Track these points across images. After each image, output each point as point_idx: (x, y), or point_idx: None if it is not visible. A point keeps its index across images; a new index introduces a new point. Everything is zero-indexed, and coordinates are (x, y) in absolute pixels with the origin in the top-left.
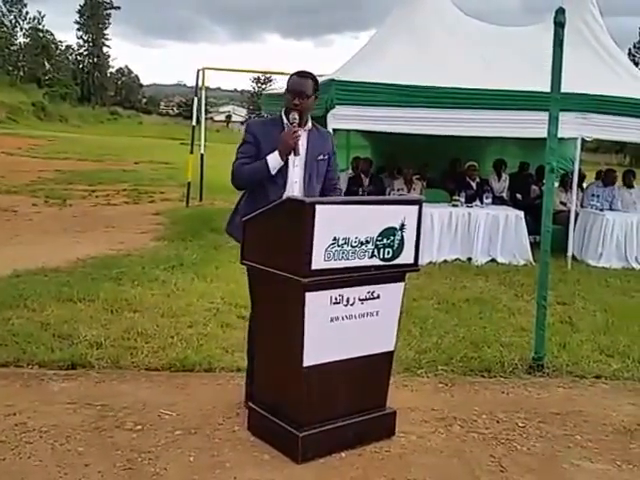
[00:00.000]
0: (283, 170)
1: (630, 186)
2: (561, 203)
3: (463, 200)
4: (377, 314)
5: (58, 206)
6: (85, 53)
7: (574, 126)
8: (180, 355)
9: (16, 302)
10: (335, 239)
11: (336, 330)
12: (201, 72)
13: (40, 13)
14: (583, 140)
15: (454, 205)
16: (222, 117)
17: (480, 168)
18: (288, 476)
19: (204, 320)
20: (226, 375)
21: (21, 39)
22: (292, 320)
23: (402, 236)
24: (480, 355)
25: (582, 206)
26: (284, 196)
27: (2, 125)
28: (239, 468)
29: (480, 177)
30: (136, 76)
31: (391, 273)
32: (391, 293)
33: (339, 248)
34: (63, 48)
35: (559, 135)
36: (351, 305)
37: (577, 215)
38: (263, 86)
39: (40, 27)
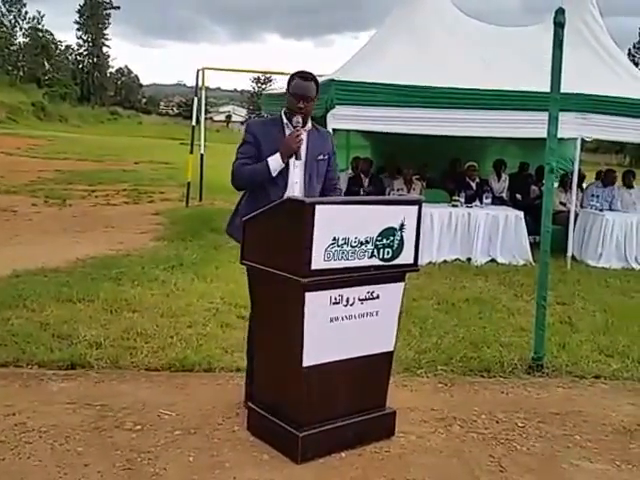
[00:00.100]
0: (283, 171)
1: (630, 186)
2: (561, 203)
3: (463, 200)
4: (377, 314)
5: (58, 206)
6: (85, 53)
7: (574, 126)
8: (180, 355)
9: (15, 302)
10: (335, 239)
11: (336, 330)
12: (201, 72)
13: (40, 13)
14: (583, 140)
15: (454, 205)
16: (222, 117)
17: (480, 168)
18: (288, 476)
19: (204, 320)
20: (226, 375)
21: (21, 39)
22: (292, 320)
23: (402, 236)
24: (480, 355)
25: (582, 206)
26: (285, 197)
27: (2, 125)
28: (239, 468)
29: (480, 177)
30: (136, 76)
31: (391, 273)
32: (391, 293)
33: (339, 248)
34: (63, 48)
35: (559, 135)
36: (351, 305)
37: (577, 215)
38: (263, 86)
39: (40, 27)
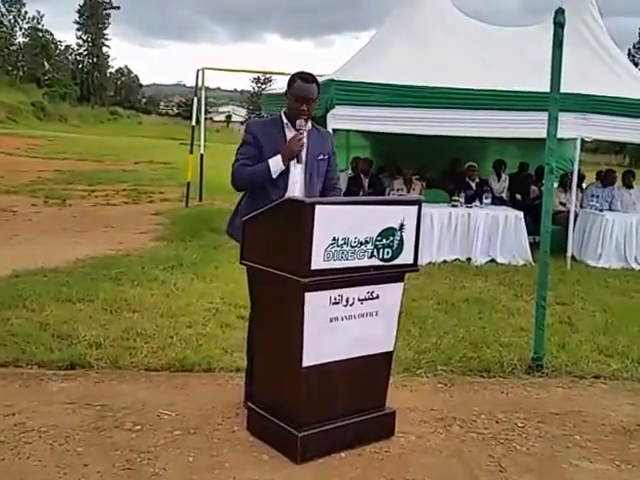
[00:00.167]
0: (284, 172)
1: (629, 186)
2: (560, 203)
3: (463, 200)
4: (376, 314)
5: (57, 206)
6: (85, 53)
7: (573, 126)
8: (179, 355)
9: (15, 302)
10: (334, 239)
11: (335, 330)
12: (201, 72)
13: (39, 13)
14: (582, 140)
15: (454, 205)
16: (222, 117)
17: (480, 168)
18: (287, 476)
19: (203, 320)
20: (225, 375)
21: (20, 39)
22: (291, 320)
23: (401, 236)
24: (479, 355)
25: (581, 206)
26: (285, 197)
27: (1, 125)
28: (238, 468)
29: (480, 177)
30: (136, 76)
31: (390, 273)
32: (390, 293)
33: (338, 248)
34: (62, 48)
35: (559, 135)
36: (350, 305)
37: (576, 215)
38: (263, 86)
39: (39, 27)
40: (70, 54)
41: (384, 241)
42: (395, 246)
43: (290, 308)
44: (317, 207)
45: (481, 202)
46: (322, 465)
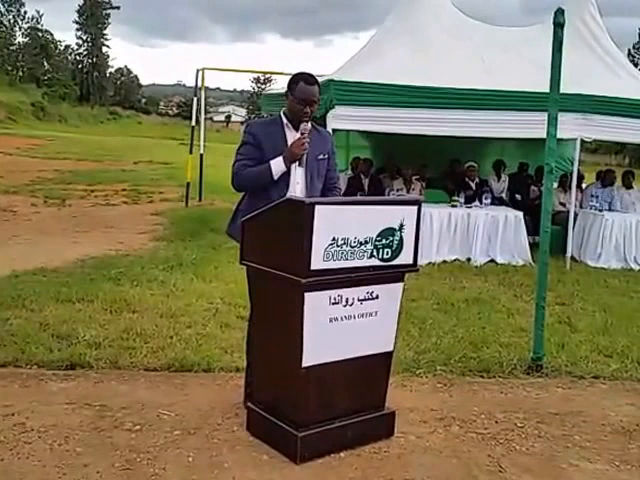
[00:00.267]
0: (285, 173)
1: (629, 187)
2: (560, 204)
3: (462, 200)
4: (376, 314)
5: (57, 206)
6: (84, 53)
7: (573, 127)
8: (179, 355)
9: (15, 302)
10: (334, 239)
11: (335, 330)
12: (200, 72)
13: (39, 12)
14: (582, 141)
15: (453, 205)
16: (222, 117)
17: (479, 169)
18: (287, 476)
19: (203, 320)
20: (225, 375)
21: (20, 39)
22: (291, 320)
23: (401, 236)
24: (479, 355)
25: (581, 207)
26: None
27: (1, 125)
28: (238, 468)
29: (479, 178)
30: (135, 76)
31: (390, 273)
32: (390, 293)
33: (338, 248)
34: (62, 48)
35: (558, 136)
36: (350, 305)
37: (576, 216)
38: (263, 86)
39: (39, 27)
40: (70, 54)
41: (384, 241)
42: (395, 246)
43: (290, 308)
44: (317, 207)
45: (481, 202)
46: (321, 465)
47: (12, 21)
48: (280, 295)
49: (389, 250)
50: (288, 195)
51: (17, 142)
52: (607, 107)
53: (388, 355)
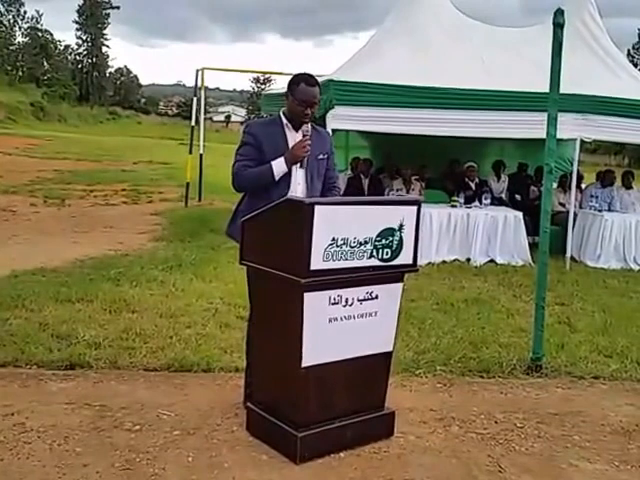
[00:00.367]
0: (286, 173)
1: (629, 187)
2: (560, 204)
3: (462, 201)
4: (376, 314)
5: (56, 206)
6: (84, 53)
7: (573, 127)
8: (179, 355)
9: (14, 302)
10: (334, 239)
11: (335, 330)
12: (200, 72)
13: (38, 12)
14: (582, 141)
15: (453, 206)
16: (221, 117)
17: (479, 169)
18: (286, 476)
19: (203, 320)
20: (225, 375)
21: (20, 39)
22: (291, 320)
23: (401, 237)
24: (478, 355)
25: (581, 207)
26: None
27: (1, 125)
28: (238, 468)
29: (479, 178)
30: (135, 76)
31: (390, 274)
32: (390, 294)
33: (338, 248)
34: (62, 48)
35: (558, 136)
36: (350, 305)
37: (576, 216)
38: (262, 86)
39: (39, 26)
40: (69, 54)
41: (383, 241)
42: (394, 246)
43: (289, 308)
44: (316, 207)
45: (480, 202)
46: (321, 465)
47: (12, 21)
48: (280, 295)
49: (389, 250)
50: (289, 195)
51: (16, 142)
52: (607, 107)
53: (388, 355)
